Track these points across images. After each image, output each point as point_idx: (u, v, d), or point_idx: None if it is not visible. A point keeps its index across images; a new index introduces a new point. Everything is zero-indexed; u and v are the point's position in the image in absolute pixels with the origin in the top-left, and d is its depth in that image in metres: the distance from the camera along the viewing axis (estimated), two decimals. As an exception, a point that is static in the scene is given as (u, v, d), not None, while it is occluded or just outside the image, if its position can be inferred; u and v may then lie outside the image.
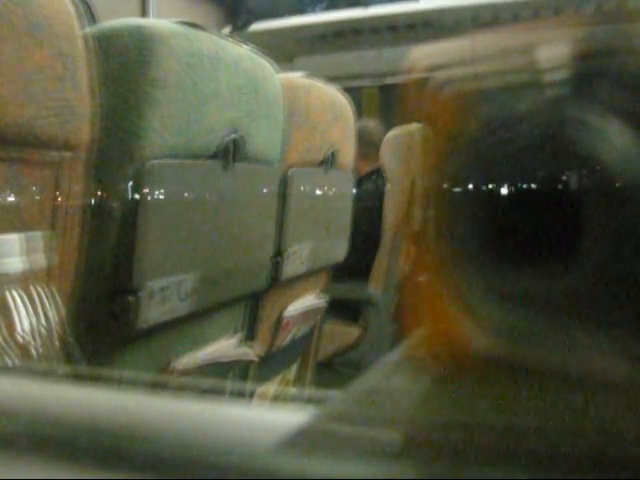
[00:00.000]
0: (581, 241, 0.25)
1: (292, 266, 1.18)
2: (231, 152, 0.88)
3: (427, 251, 0.29)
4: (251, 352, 1.05)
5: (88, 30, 0.70)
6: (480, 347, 0.27)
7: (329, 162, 1.27)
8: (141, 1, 2.32)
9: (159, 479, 0.24)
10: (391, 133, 2.02)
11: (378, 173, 2.04)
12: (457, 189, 0.28)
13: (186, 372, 0.87)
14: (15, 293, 0.61)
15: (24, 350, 0.60)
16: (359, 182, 1.75)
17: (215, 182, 0.88)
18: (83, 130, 0.68)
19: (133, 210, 0.73)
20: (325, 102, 1.24)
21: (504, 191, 0.27)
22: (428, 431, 0.26)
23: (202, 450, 0.25)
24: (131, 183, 0.73)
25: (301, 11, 2.74)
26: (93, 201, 0.72)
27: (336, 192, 1.38)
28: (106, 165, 0.73)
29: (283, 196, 1.12)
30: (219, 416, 0.30)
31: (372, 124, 2.26)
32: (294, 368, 1.40)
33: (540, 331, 0.26)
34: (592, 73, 0.26)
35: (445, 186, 0.29)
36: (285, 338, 1.27)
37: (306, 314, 1.33)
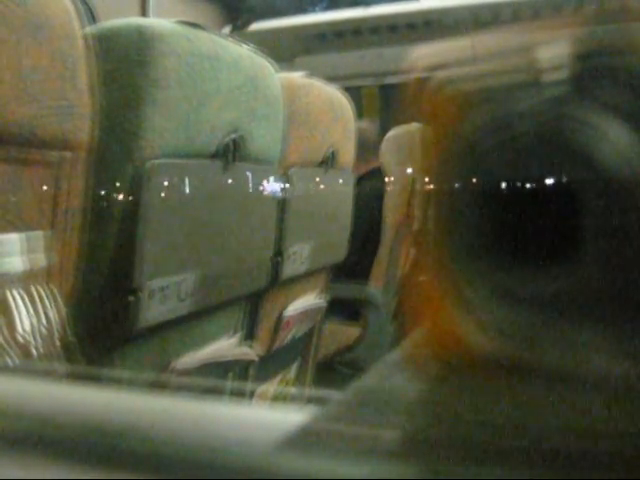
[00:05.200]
0: (581, 240, 0.25)
1: (292, 266, 1.18)
2: (231, 152, 0.88)
3: (427, 251, 0.29)
4: (251, 352, 1.05)
5: (88, 30, 0.70)
6: (480, 347, 0.27)
7: (329, 162, 1.27)
8: (141, 1, 2.32)
9: (159, 479, 0.24)
10: (391, 133, 2.02)
11: (378, 173, 2.04)
12: (457, 189, 0.28)
13: (186, 372, 0.87)
14: (16, 293, 0.61)
15: (24, 350, 0.60)
16: (359, 182, 1.75)
17: (215, 182, 0.88)
18: (83, 130, 0.68)
19: (133, 210, 0.73)
20: (325, 102, 1.24)
21: (504, 191, 0.27)
22: (428, 431, 0.26)
23: (202, 450, 0.25)
24: (131, 183, 0.73)
25: (301, 11, 2.74)
26: (93, 201, 0.71)
27: (336, 192, 1.38)
28: (106, 165, 0.73)
29: (283, 196, 1.12)
30: (219, 416, 0.30)
31: (372, 124, 2.26)
32: (294, 368, 1.40)
33: (541, 331, 0.26)
34: (592, 73, 0.26)
35: (445, 186, 0.29)
36: (285, 338, 1.27)
37: (306, 314, 1.33)
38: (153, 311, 0.78)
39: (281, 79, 1.05)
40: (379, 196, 1.99)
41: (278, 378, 1.31)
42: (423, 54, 0.30)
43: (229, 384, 1.05)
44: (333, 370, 1.81)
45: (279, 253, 1.13)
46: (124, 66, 0.74)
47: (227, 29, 2.72)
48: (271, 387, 1.26)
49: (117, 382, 0.65)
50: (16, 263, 0.61)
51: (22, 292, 0.61)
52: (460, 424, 0.25)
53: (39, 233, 0.64)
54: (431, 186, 0.29)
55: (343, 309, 1.84)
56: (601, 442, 0.23)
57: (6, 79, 0.58)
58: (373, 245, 1.97)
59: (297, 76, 1.20)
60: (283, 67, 1.09)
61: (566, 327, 0.26)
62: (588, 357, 0.25)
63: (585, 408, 0.24)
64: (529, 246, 0.27)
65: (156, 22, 0.77)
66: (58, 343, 0.65)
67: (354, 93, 1.84)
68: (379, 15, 2.54)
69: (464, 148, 0.28)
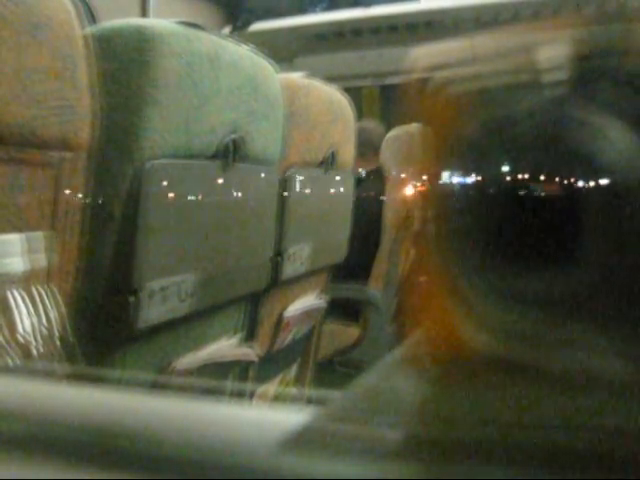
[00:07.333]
0: (581, 241, 0.25)
1: (292, 266, 1.18)
2: (231, 152, 0.88)
3: (427, 251, 0.29)
4: (251, 352, 1.05)
5: (88, 30, 0.70)
6: (480, 347, 0.27)
7: (329, 162, 1.27)
8: (141, 1, 2.32)
9: (159, 479, 0.24)
10: (391, 133, 2.02)
11: (378, 173, 2.05)
12: (457, 189, 0.28)
13: (186, 372, 0.87)
14: (16, 293, 0.61)
15: (25, 350, 0.60)
16: (359, 182, 1.75)
17: (215, 182, 0.88)
18: (83, 130, 0.68)
19: (133, 210, 0.73)
20: (325, 102, 1.24)
21: (504, 191, 0.27)
22: (428, 431, 0.26)
23: (202, 450, 0.25)
24: (131, 183, 0.73)
25: (301, 11, 2.74)
26: (93, 201, 0.71)
27: (336, 192, 1.38)
28: (106, 165, 0.73)
29: (283, 196, 1.12)
30: (219, 416, 0.30)
31: (372, 124, 2.26)
32: (294, 368, 1.40)
33: (540, 330, 0.26)
34: (592, 73, 0.26)
35: (445, 186, 0.29)
36: (285, 338, 1.27)
37: (306, 314, 1.33)
38: (153, 311, 0.78)
39: (281, 79, 1.05)
40: (379, 196, 1.99)
41: (278, 378, 1.31)
42: (423, 54, 0.30)
43: (229, 384, 1.05)
44: (333, 370, 1.81)
45: (279, 253, 1.13)
46: (124, 66, 0.74)
47: (227, 29, 2.72)
48: (271, 387, 1.26)
49: (117, 382, 0.65)
50: (16, 263, 0.61)
51: (22, 292, 0.61)
52: (460, 424, 0.25)
53: (39, 233, 0.64)
54: (431, 186, 0.29)
55: (343, 309, 1.84)
56: (601, 442, 0.23)
57: (6, 79, 0.58)
58: (373, 245, 1.98)
59: (297, 76, 1.20)
60: (283, 67, 1.09)
61: (565, 327, 0.26)
62: (587, 356, 0.25)
63: (585, 407, 0.24)
64: (528, 246, 0.27)
65: (156, 22, 0.77)
66: (58, 343, 0.65)
67: (354, 93, 1.84)
68: (379, 15, 2.55)
69: (464, 149, 0.28)
